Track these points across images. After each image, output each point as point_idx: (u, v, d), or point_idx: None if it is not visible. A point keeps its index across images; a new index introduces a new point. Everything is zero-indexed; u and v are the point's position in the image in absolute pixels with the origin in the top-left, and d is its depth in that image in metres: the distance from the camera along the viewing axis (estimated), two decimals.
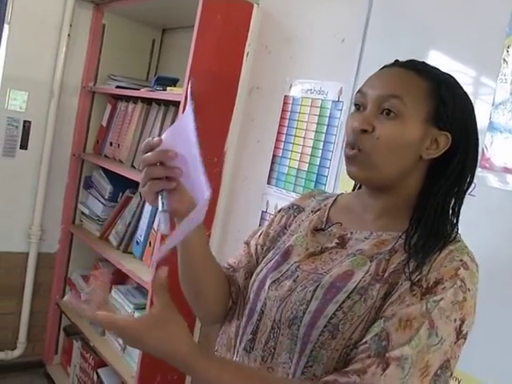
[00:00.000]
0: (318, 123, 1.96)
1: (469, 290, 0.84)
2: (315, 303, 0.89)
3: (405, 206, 0.95)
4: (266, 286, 0.98)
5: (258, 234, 1.14)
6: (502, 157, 1.38)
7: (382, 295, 0.86)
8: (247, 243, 1.14)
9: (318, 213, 1.05)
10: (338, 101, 1.88)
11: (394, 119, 0.88)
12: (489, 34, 1.46)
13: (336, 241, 0.98)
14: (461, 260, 0.85)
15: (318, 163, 1.94)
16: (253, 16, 2.23)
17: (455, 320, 0.82)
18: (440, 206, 0.92)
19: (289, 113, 2.08)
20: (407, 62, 0.96)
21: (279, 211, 1.14)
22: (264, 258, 1.07)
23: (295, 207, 1.12)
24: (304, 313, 0.89)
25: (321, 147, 1.93)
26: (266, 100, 2.20)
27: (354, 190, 1.09)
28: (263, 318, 0.97)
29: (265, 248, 1.10)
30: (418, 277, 0.84)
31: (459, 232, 0.93)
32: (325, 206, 1.07)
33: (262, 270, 1.02)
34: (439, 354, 0.81)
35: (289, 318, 0.91)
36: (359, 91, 0.95)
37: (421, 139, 0.90)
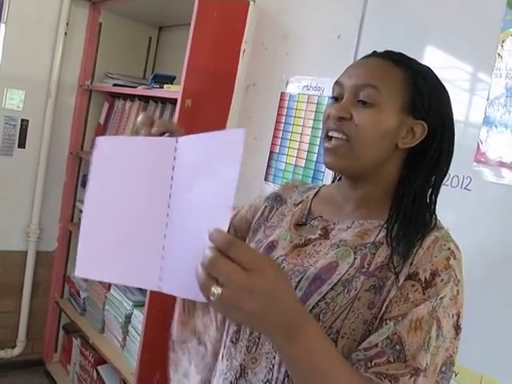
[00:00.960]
0: (314, 119, 1.97)
1: (459, 281, 0.86)
2: (299, 294, 0.89)
3: (383, 195, 0.96)
4: None
5: (235, 211, 1.14)
6: (497, 151, 1.39)
7: (367, 287, 0.86)
8: None
9: (301, 205, 1.06)
10: None
11: (371, 108, 0.89)
12: (484, 29, 1.47)
13: (319, 232, 0.98)
14: (448, 248, 0.86)
15: (314, 159, 1.95)
16: (249, 13, 2.24)
17: (453, 316, 0.84)
18: (417, 194, 0.93)
19: (285, 109, 2.08)
20: (384, 52, 0.96)
21: (262, 198, 1.14)
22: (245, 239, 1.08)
23: (278, 198, 1.12)
24: None
25: (317, 143, 1.94)
26: (263, 97, 2.21)
27: (333, 181, 1.10)
28: None
29: (239, 232, 1.11)
30: (407, 269, 0.85)
31: (438, 219, 0.94)
32: (307, 197, 1.08)
33: None
34: (443, 351, 0.82)
35: None
36: (336, 82, 0.96)
37: (397, 128, 0.91)
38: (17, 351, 2.92)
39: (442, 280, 0.83)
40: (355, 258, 0.89)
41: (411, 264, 0.85)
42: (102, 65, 2.90)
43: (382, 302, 0.84)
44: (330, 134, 0.93)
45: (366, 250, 0.90)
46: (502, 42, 1.43)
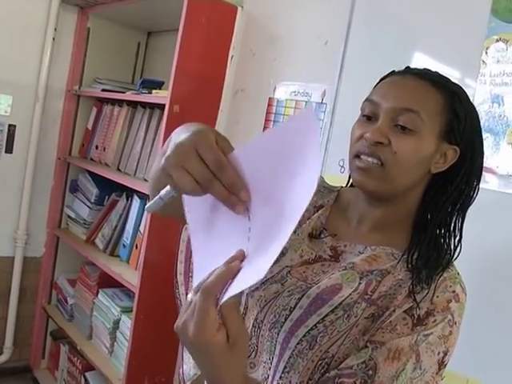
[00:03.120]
0: None
1: (455, 323, 0.85)
2: (298, 312, 0.88)
3: (403, 219, 0.93)
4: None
5: None
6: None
7: (366, 315, 0.85)
8: None
9: (320, 212, 1.01)
10: (322, 103, 1.90)
11: (411, 135, 0.86)
12: (469, 36, 1.49)
13: (329, 252, 0.95)
14: (453, 291, 0.85)
15: None
16: (237, 19, 2.24)
17: (439, 353, 0.83)
18: (443, 221, 0.91)
19: (273, 115, 2.09)
20: (421, 70, 0.92)
21: None
22: None
23: None
24: (286, 319, 0.89)
25: None
26: (251, 102, 2.21)
27: (348, 184, 1.05)
28: (247, 313, 0.96)
29: None
30: (421, 297, 0.84)
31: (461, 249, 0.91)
32: (328, 202, 1.03)
33: None
34: (421, 383, 0.83)
35: (271, 320, 0.91)
36: (369, 100, 0.91)
37: (433, 154, 0.88)
38: (4, 358, 2.89)
39: (435, 321, 0.83)
40: (360, 284, 0.88)
41: (424, 294, 0.84)
42: (91, 70, 2.88)
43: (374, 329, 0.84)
44: (362, 157, 0.88)
45: (371, 277, 0.88)
46: (487, 48, 1.45)
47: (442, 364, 0.84)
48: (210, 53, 2.19)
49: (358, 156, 0.90)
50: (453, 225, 0.92)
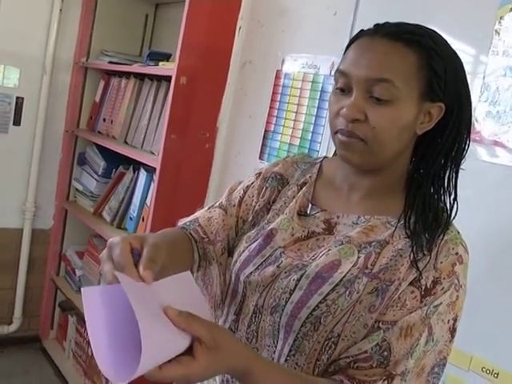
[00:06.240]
0: (309, 98, 1.95)
1: (461, 286, 0.84)
2: (299, 293, 0.86)
3: (394, 183, 0.91)
4: (247, 270, 0.93)
5: (237, 201, 1.04)
6: (493, 130, 1.38)
7: (369, 290, 0.83)
8: (224, 209, 1.04)
9: (304, 189, 0.98)
10: (330, 75, 1.86)
11: (387, 105, 0.82)
12: (480, 6, 1.45)
13: (322, 226, 0.93)
14: (456, 253, 0.84)
15: (309, 138, 1.93)
16: None
17: (449, 321, 0.83)
18: (436, 177, 0.88)
19: (281, 87, 2.06)
20: (390, 29, 0.86)
21: (263, 179, 1.04)
22: (244, 233, 1.01)
23: (278, 177, 1.02)
24: (286, 302, 0.87)
25: (312, 122, 1.92)
26: (259, 74, 2.19)
27: (335, 153, 1.00)
28: (246, 300, 0.94)
29: (247, 222, 1.02)
30: (424, 264, 0.82)
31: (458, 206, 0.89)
32: (310, 177, 1.00)
33: (244, 251, 0.96)
34: (433, 354, 0.83)
35: (271, 305, 0.89)
36: (340, 71, 0.86)
37: (416, 118, 0.84)
38: (13, 328, 2.93)
39: (443, 288, 0.82)
40: (359, 257, 0.86)
41: (426, 259, 0.83)
42: (98, 42, 2.85)
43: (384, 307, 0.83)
44: (340, 138, 0.86)
45: (370, 249, 0.86)
46: (500, 18, 1.40)
47: (453, 331, 0.84)
48: (217, 24, 2.16)
49: (338, 132, 0.87)
50: (446, 180, 0.89)
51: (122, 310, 0.69)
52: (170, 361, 0.67)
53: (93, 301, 0.71)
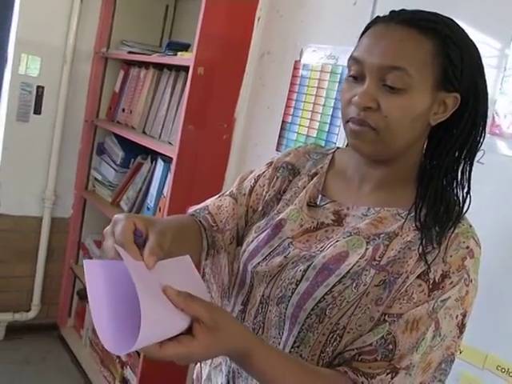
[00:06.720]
0: (328, 89, 1.93)
1: (471, 281, 0.82)
2: (305, 284, 0.85)
3: (406, 175, 0.90)
4: (255, 261, 0.93)
5: (247, 190, 1.04)
6: None
7: (376, 282, 0.82)
8: (235, 198, 1.03)
9: (315, 179, 0.97)
10: None
11: (400, 94, 0.80)
12: None
13: (332, 217, 0.92)
14: (467, 247, 0.82)
15: (327, 129, 1.91)
16: None
17: (457, 316, 0.82)
18: (450, 170, 0.86)
19: (299, 78, 2.05)
20: (406, 16, 0.84)
21: (274, 168, 1.03)
22: (254, 223, 1.00)
23: (290, 167, 1.01)
24: (292, 293, 0.86)
25: (330, 113, 1.90)
26: (277, 65, 2.17)
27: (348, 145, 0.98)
28: (253, 291, 0.93)
29: (257, 212, 1.01)
30: (433, 257, 0.81)
31: (471, 199, 0.87)
32: (321, 168, 0.99)
33: (253, 241, 0.96)
34: (441, 350, 0.81)
35: (277, 295, 0.89)
36: (353, 58, 0.85)
37: (430, 107, 0.82)
38: (31, 314, 2.97)
39: (452, 283, 0.80)
40: (367, 249, 0.84)
41: (435, 253, 0.81)
42: (118, 32, 2.87)
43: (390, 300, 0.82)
44: (351, 127, 0.85)
45: (379, 241, 0.85)
46: None
47: (462, 327, 0.83)
48: (236, 14, 2.15)
49: (349, 121, 0.85)
50: (460, 173, 0.87)
51: (123, 286, 0.71)
52: (170, 340, 0.67)
53: (95, 274, 0.72)
